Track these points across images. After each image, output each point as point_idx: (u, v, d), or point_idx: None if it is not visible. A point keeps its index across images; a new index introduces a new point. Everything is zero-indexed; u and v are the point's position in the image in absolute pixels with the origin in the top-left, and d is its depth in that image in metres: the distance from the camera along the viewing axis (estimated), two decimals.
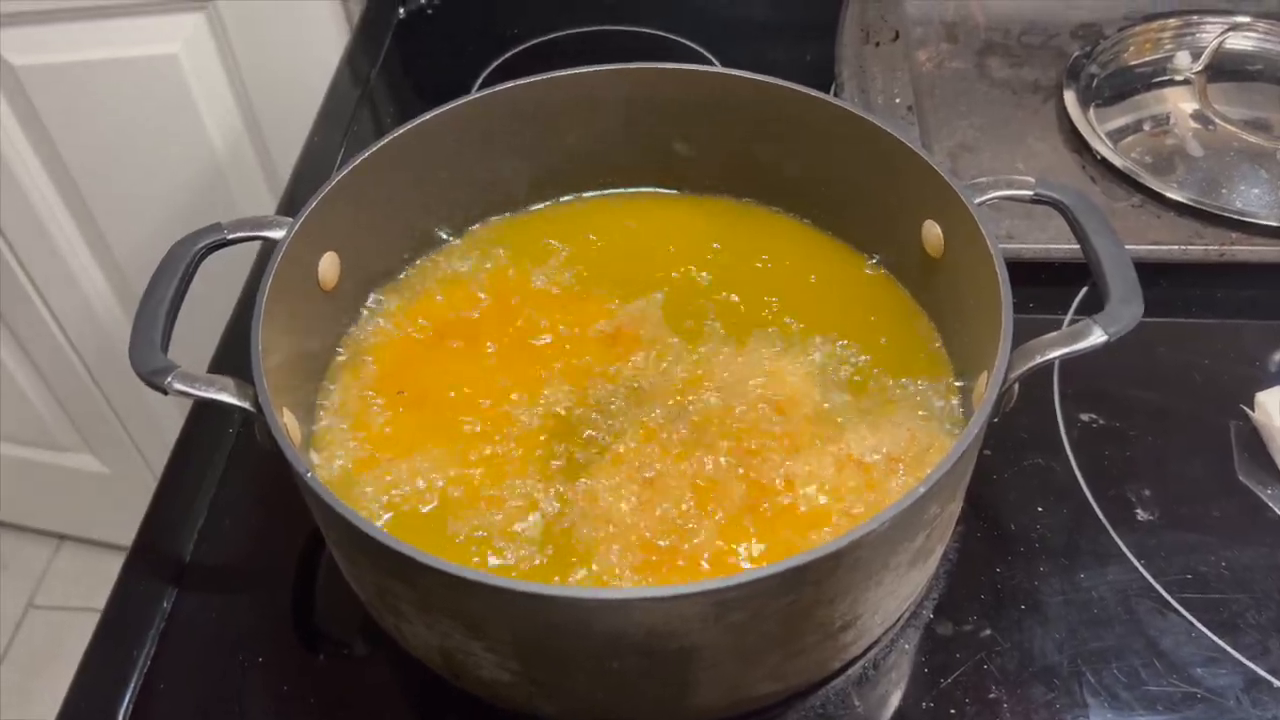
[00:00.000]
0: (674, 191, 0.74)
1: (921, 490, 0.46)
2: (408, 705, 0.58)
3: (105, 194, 1.17)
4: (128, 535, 0.65)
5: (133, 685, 0.58)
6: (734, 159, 0.71)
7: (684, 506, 0.57)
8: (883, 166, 0.63)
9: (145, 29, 1.06)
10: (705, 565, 0.54)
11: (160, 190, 1.16)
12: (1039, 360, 0.52)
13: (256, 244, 0.63)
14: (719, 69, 0.68)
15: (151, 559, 0.64)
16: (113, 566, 0.64)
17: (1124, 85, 0.87)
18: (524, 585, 0.44)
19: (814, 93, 0.65)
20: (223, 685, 0.58)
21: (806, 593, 0.46)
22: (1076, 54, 0.89)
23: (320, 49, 1.06)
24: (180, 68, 1.06)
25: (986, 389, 0.51)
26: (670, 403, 0.61)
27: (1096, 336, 0.52)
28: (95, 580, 1.71)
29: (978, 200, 0.58)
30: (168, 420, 1.41)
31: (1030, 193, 0.59)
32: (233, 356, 0.73)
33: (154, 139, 1.11)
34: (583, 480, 0.58)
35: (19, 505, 1.71)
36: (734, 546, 0.55)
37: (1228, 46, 0.87)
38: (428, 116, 0.65)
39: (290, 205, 0.85)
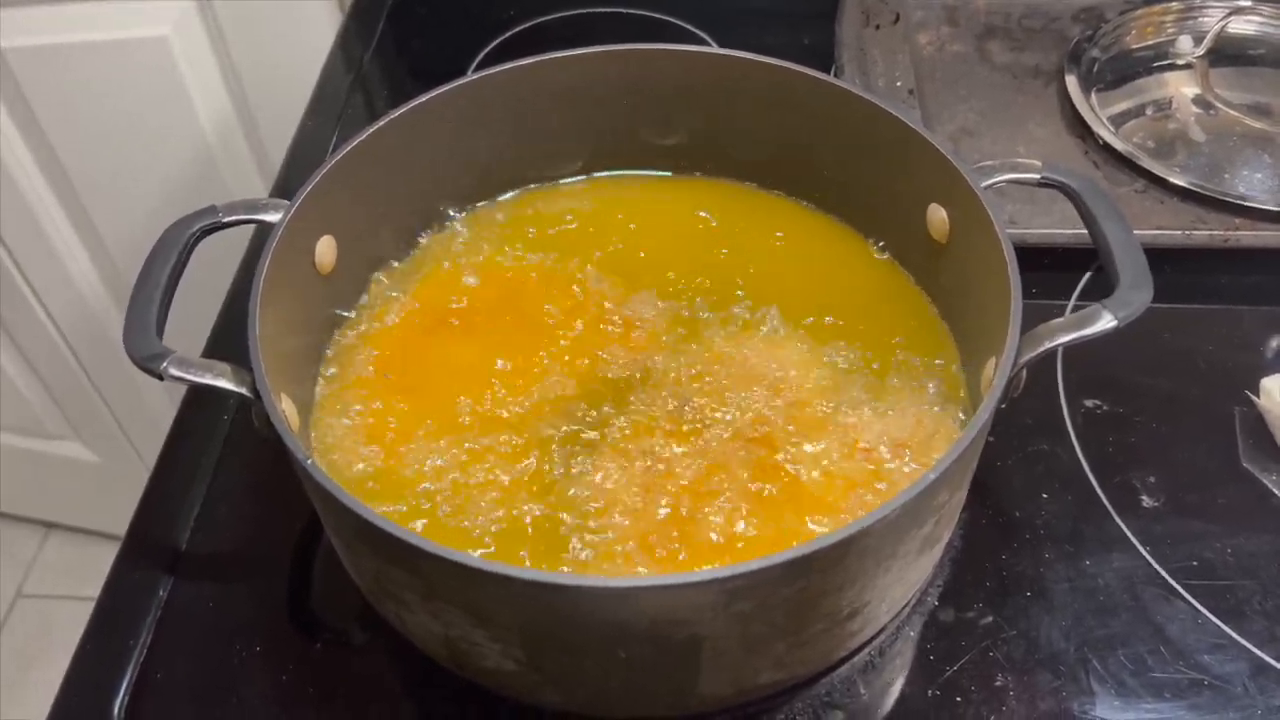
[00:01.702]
0: (674, 174, 0.73)
1: (932, 477, 0.45)
2: (407, 693, 0.58)
3: (94, 178, 1.16)
4: (117, 524, 0.64)
5: (128, 675, 0.57)
6: (736, 142, 0.70)
7: (689, 491, 0.56)
8: (888, 150, 0.63)
9: (134, 10, 1.04)
10: (711, 552, 0.54)
11: (150, 174, 1.14)
12: (1048, 345, 0.52)
13: (247, 228, 0.62)
14: (722, 50, 0.67)
15: (146, 547, 0.63)
16: (102, 555, 0.64)
17: (1126, 69, 0.86)
18: (530, 573, 0.44)
19: (820, 75, 0.64)
20: (220, 674, 0.57)
21: (815, 580, 0.46)
22: (1078, 38, 0.88)
23: (312, 31, 1.05)
24: (170, 50, 1.04)
25: (995, 375, 0.50)
26: (674, 388, 0.61)
27: (1106, 322, 0.51)
28: (85, 569, 1.70)
29: (984, 184, 0.58)
30: (158, 408, 1.40)
31: (1037, 176, 0.58)
32: (227, 341, 0.72)
33: (144, 122, 1.10)
34: (586, 466, 0.57)
35: (8, 494, 1.69)
36: (740, 533, 0.54)
37: (1230, 31, 0.86)
38: (425, 98, 0.64)
39: (284, 189, 0.84)
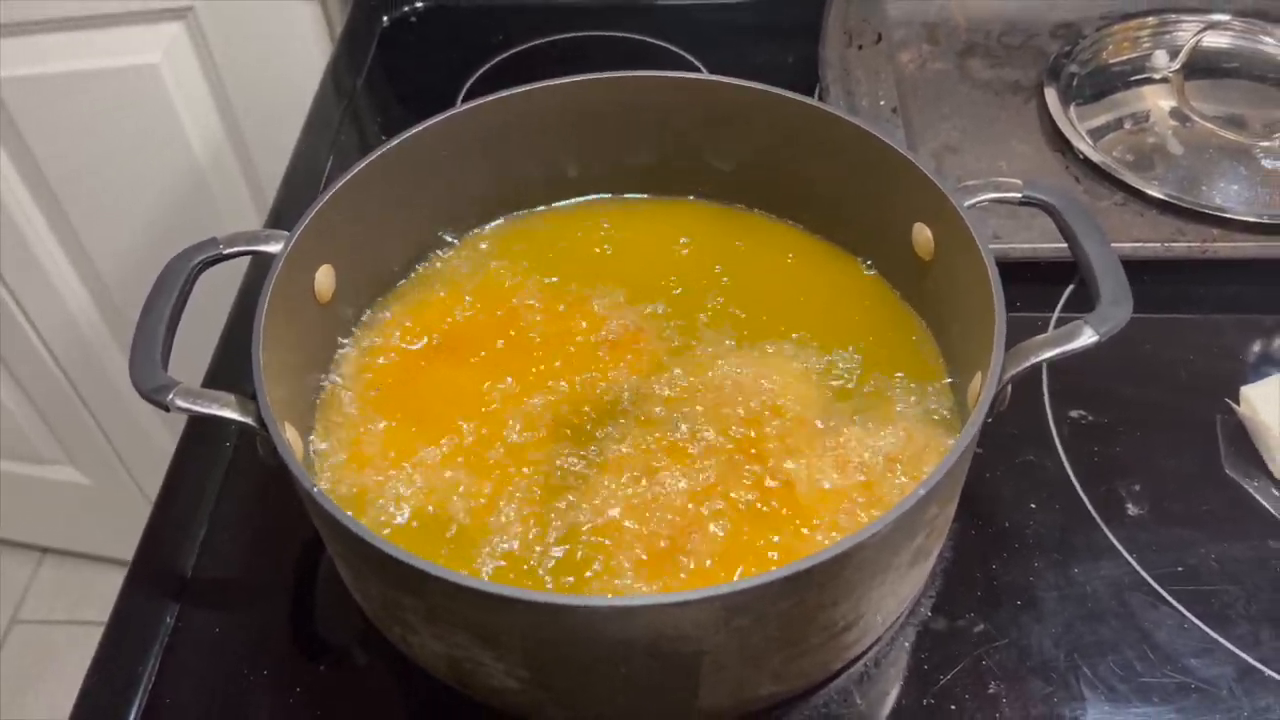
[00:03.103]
0: (666, 198, 0.74)
1: (922, 491, 0.47)
2: (410, 713, 0.59)
3: (86, 205, 1.17)
4: (112, 547, 0.65)
5: (138, 701, 0.58)
6: (726, 165, 0.72)
7: (685, 509, 0.57)
8: (873, 171, 0.64)
9: (125, 39, 1.05)
10: (708, 567, 0.55)
11: (142, 201, 1.15)
12: (1032, 361, 0.53)
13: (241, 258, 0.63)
14: (708, 76, 0.69)
15: (153, 575, 0.64)
16: (97, 579, 0.64)
17: (1104, 84, 0.88)
18: (533, 595, 0.45)
19: (805, 99, 0.66)
20: (228, 699, 0.58)
21: (812, 595, 0.47)
22: (1056, 53, 0.90)
23: (302, 57, 1.06)
24: (161, 78, 1.06)
25: (982, 391, 0.52)
26: (668, 407, 0.62)
27: (1087, 337, 0.53)
28: (80, 593, 1.70)
29: (967, 203, 0.59)
30: (151, 431, 1.41)
31: (1019, 195, 0.60)
32: (227, 370, 0.73)
33: (135, 150, 1.11)
34: (583, 485, 0.59)
35: (2, 519, 1.69)
36: (736, 548, 0.56)
37: (1205, 45, 0.88)
38: (420, 128, 0.65)
39: (279, 218, 0.85)
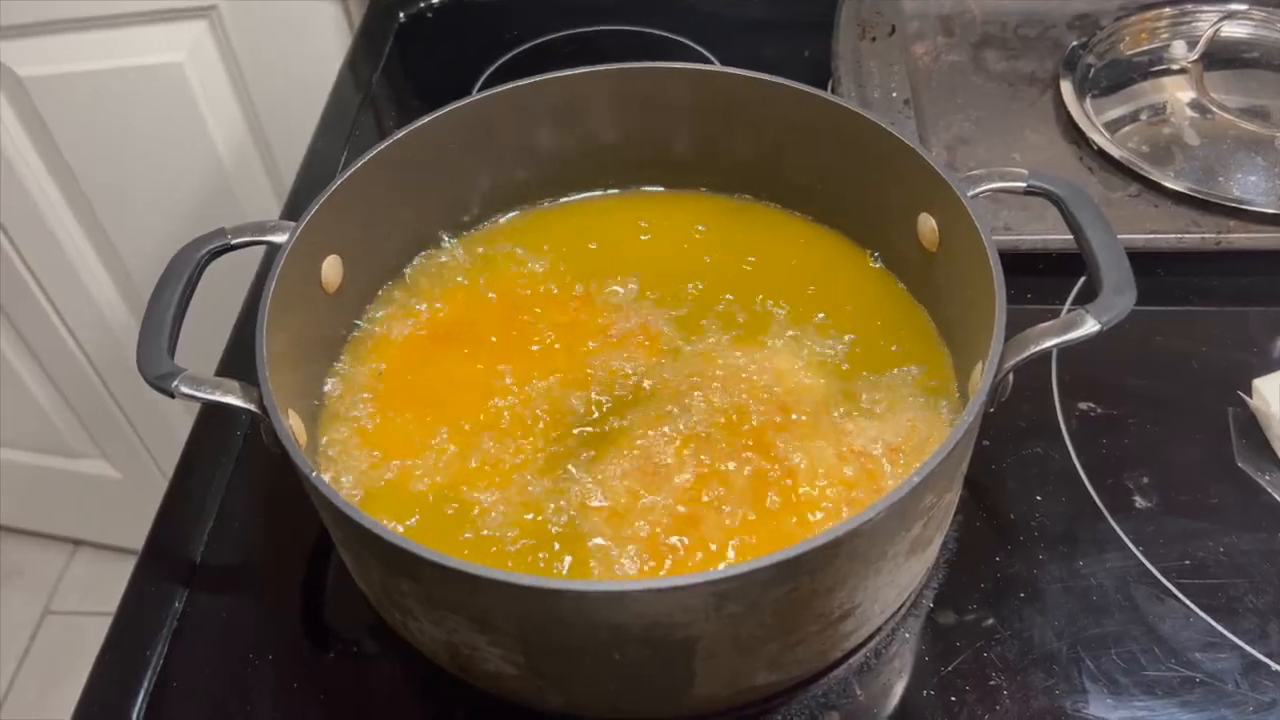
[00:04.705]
0: (674, 190, 0.74)
1: (916, 480, 0.46)
2: (416, 701, 0.59)
3: (112, 201, 1.18)
4: (142, 540, 0.66)
5: (146, 684, 0.59)
6: (733, 156, 0.72)
7: (688, 498, 0.57)
8: (878, 161, 0.64)
9: (150, 38, 1.07)
10: (711, 555, 0.55)
11: (167, 196, 1.17)
12: (1033, 350, 0.53)
13: (262, 247, 0.64)
14: (716, 68, 0.69)
15: (163, 561, 0.65)
16: (127, 571, 0.65)
17: (1120, 75, 0.87)
18: (525, 578, 0.45)
19: (807, 88, 0.66)
20: (234, 683, 0.59)
21: (804, 582, 0.47)
22: (1073, 45, 0.89)
23: (323, 55, 1.07)
24: (185, 75, 1.07)
25: (981, 379, 0.51)
26: (673, 397, 0.62)
27: (1089, 326, 0.52)
28: (110, 585, 1.72)
29: (971, 193, 0.59)
30: (179, 425, 1.42)
31: (1024, 184, 0.60)
32: (239, 359, 0.74)
33: (160, 146, 1.12)
34: (586, 474, 0.59)
35: (33, 511, 1.72)
36: (738, 537, 0.56)
37: (1223, 34, 0.87)
38: (426, 120, 0.66)
39: (294, 210, 0.86)
